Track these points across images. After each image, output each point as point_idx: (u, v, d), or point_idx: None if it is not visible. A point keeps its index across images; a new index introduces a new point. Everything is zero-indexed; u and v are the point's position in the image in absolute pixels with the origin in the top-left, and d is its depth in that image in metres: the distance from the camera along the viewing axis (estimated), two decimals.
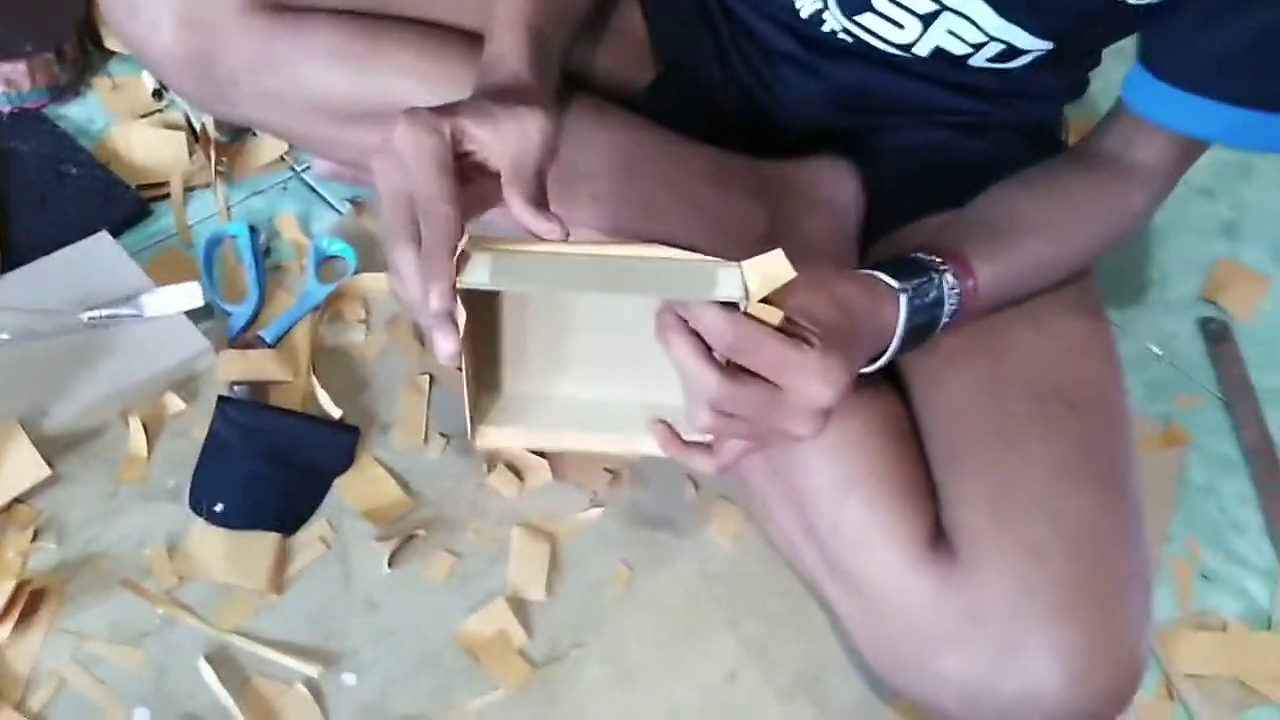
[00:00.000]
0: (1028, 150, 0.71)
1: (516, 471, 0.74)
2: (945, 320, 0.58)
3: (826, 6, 0.67)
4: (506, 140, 0.50)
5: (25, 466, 0.65)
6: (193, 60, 0.67)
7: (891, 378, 0.66)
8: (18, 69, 0.84)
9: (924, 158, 0.74)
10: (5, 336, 0.71)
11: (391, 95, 0.68)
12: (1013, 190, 0.66)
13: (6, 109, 0.86)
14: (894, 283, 0.55)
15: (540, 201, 0.50)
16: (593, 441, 0.59)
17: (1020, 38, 0.63)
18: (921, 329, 0.57)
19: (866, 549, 0.61)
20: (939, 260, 0.57)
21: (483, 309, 0.50)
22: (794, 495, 0.64)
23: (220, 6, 0.65)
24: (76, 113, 0.89)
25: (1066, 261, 0.65)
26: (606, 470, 0.75)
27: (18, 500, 0.65)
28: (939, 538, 0.60)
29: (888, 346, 0.56)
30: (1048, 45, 0.63)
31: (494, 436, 0.58)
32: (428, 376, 0.78)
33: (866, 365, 0.56)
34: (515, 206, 0.49)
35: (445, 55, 0.69)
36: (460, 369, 0.50)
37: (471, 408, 0.56)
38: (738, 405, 0.50)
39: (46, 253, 0.77)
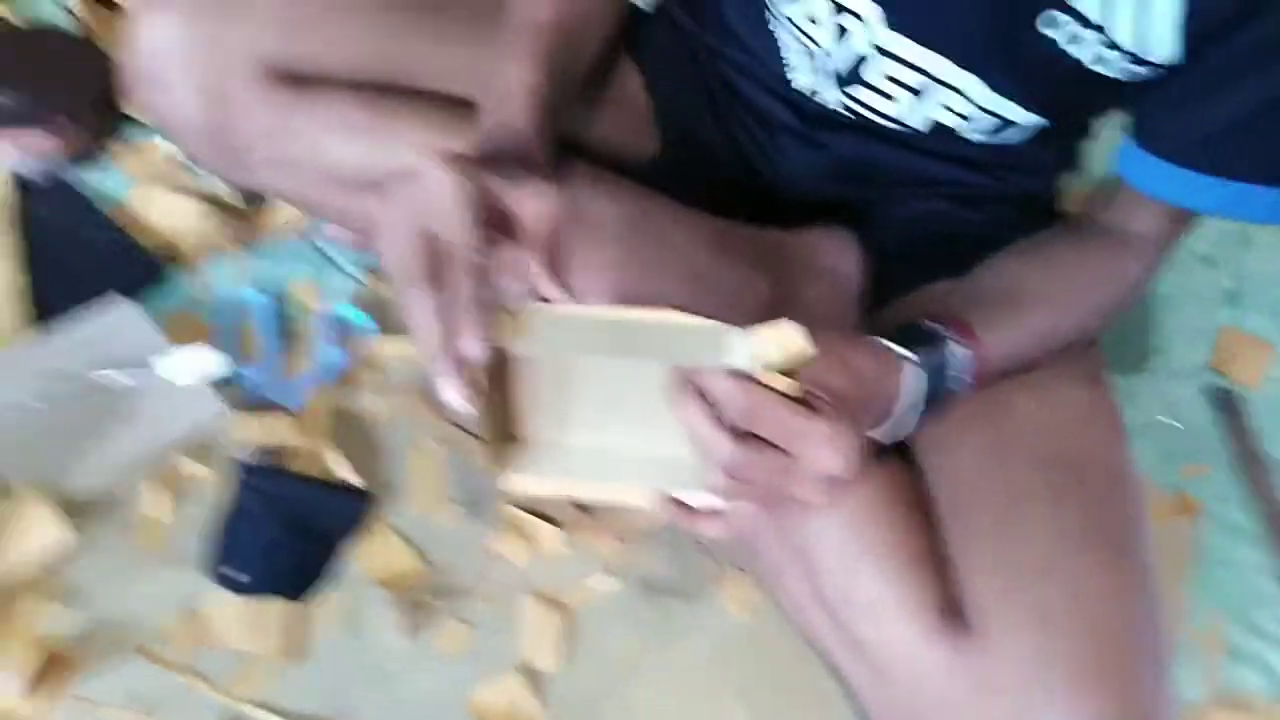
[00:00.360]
0: (1024, 221, 0.73)
1: (528, 538, 0.74)
2: (954, 389, 0.59)
3: (820, 81, 0.69)
4: (527, 206, 0.51)
5: (48, 532, 0.66)
6: (210, 129, 0.69)
7: (898, 446, 0.67)
8: (44, 138, 0.86)
9: (924, 228, 0.76)
10: (28, 400, 0.72)
11: (402, 167, 0.69)
12: (1012, 261, 0.67)
13: (30, 176, 0.87)
14: (903, 351, 0.56)
15: (556, 273, 0.51)
16: (614, 493, 0.59)
17: (1012, 111, 0.65)
18: (929, 398, 0.58)
19: (877, 618, 0.61)
20: (944, 329, 0.59)
21: (493, 362, 0.51)
22: (804, 562, 0.65)
23: (238, 78, 0.67)
24: (97, 177, 0.91)
25: (1067, 331, 0.67)
26: (618, 539, 0.75)
27: (40, 565, 0.65)
28: (950, 608, 0.61)
29: (890, 410, 0.57)
30: (1040, 120, 0.66)
31: (520, 483, 0.58)
32: (441, 443, 0.79)
33: (873, 429, 0.57)
34: (532, 270, 0.50)
35: (456, 128, 0.70)
36: (472, 418, 0.51)
37: (491, 453, 0.56)
38: (749, 471, 0.51)
39: (69, 316, 0.78)
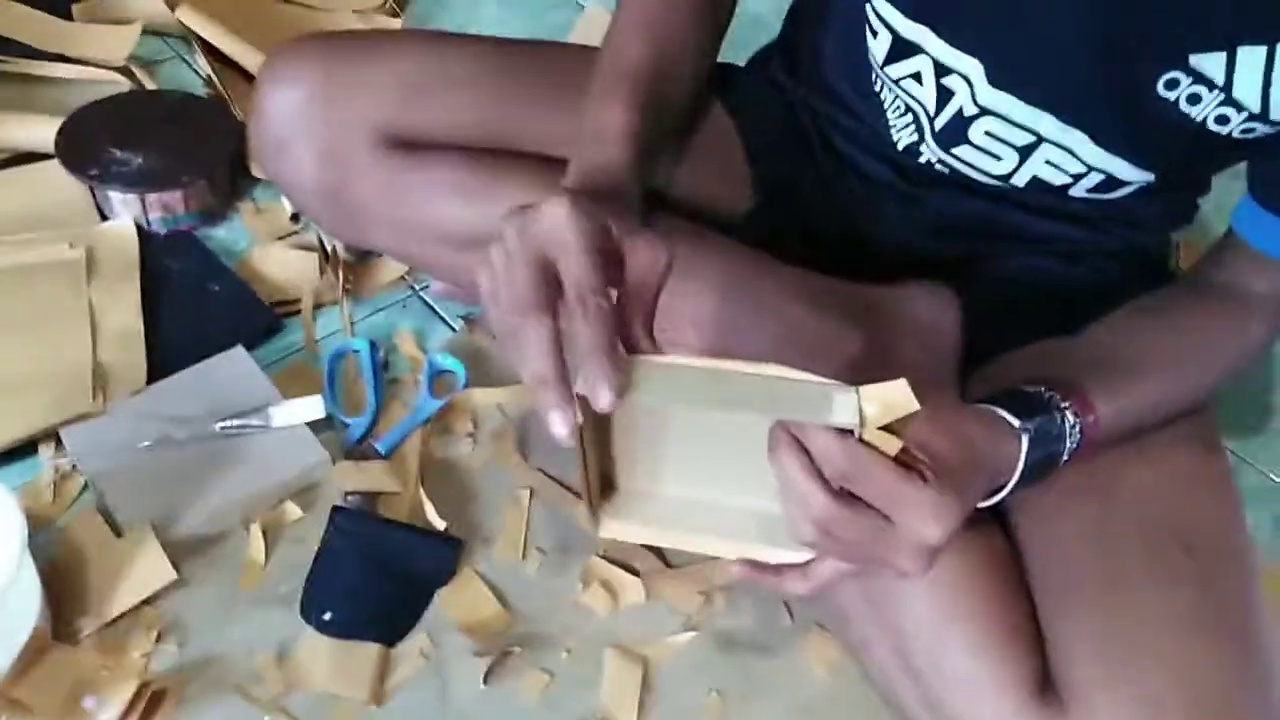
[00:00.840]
0: (1134, 278, 0.70)
1: (610, 590, 0.74)
2: (1066, 456, 0.56)
3: (923, 139, 0.68)
4: (641, 255, 0.49)
5: (154, 570, 0.69)
6: (329, 192, 0.73)
7: (996, 512, 0.64)
8: (175, 196, 0.93)
9: (1025, 285, 0.74)
10: (146, 443, 0.76)
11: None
12: (1127, 323, 0.64)
13: (163, 231, 0.94)
14: (1016, 421, 0.54)
15: (650, 326, 0.50)
16: (704, 544, 0.58)
17: (1120, 168, 0.62)
18: (1040, 466, 0.55)
19: (968, 692, 0.59)
20: (1058, 397, 0.56)
21: (587, 409, 0.51)
22: (893, 630, 0.63)
23: (355, 145, 0.71)
24: (223, 234, 0.97)
25: (1185, 396, 0.63)
26: (700, 592, 0.74)
27: (145, 602, 0.69)
28: (1046, 685, 0.58)
29: (1005, 484, 0.54)
30: (1149, 176, 0.63)
31: (617, 529, 0.57)
32: (528, 491, 0.80)
33: (983, 500, 0.55)
34: (633, 327, 0.49)
35: (557, 188, 0.73)
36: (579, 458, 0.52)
37: (592, 498, 0.56)
38: (843, 530, 0.48)
39: (189, 364, 0.83)
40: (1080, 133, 0.61)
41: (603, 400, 0.45)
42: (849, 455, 0.46)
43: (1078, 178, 0.64)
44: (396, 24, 1.24)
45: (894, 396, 0.46)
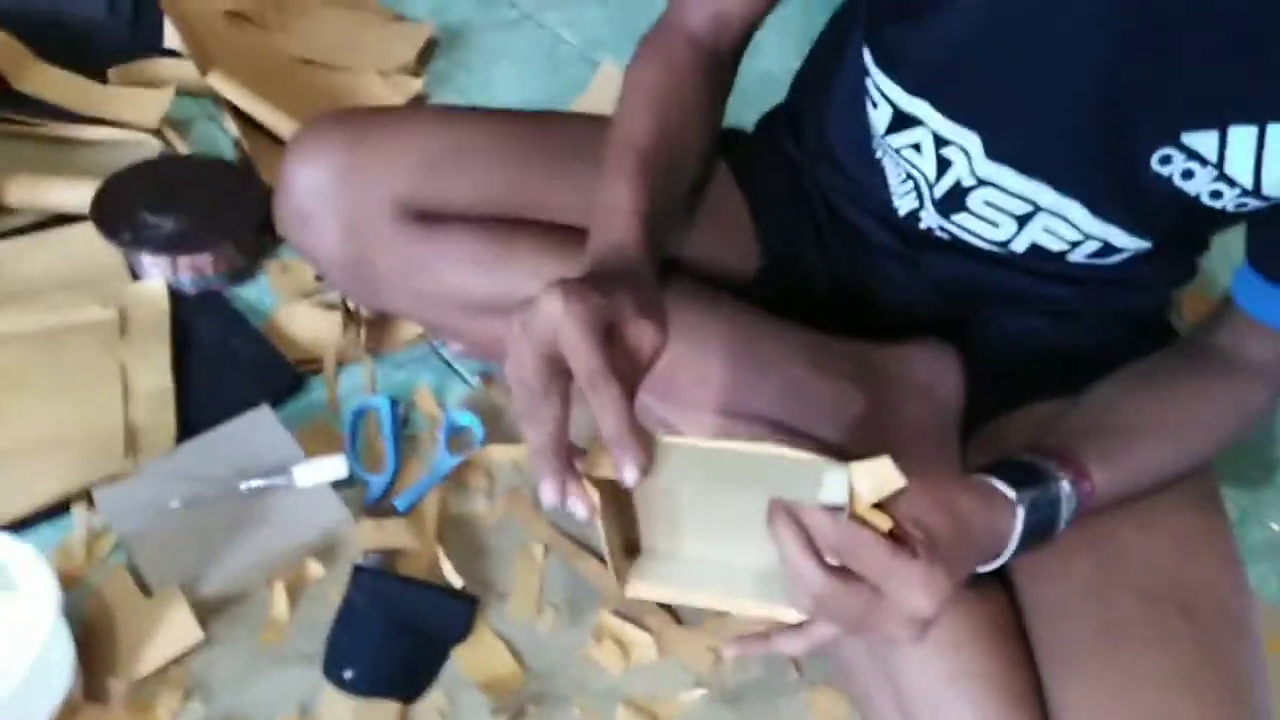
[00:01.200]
0: (1134, 337, 0.71)
1: (622, 646, 0.76)
2: (1063, 525, 0.57)
3: (923, 205, 0.70)
4: (645, 339, 0.51)
5: (182, 630, 0.72)
6: (350, 263, 0.76)
7: (997, 572, 0.66)
8: (205, 258, 0.97)
9: (1026, 345, 0.75)
10: (175, 503, 0.79)
11: (520, 294, 0.74)
12: (1125, 389, 0.65)
13: (192, 292, 0.98)
14: (1011, 493, 0.55)
15: (628, 410, 0.50)
16: (723, 603, 0.59)
17: (1117, 236, 0.64)
18: (1036, 534, 0.56)
19: None
20: (1054, 466, 0.57)
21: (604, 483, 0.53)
22: (896, 689, 0.64)
23: (375, 219, 0.74)
24: (250, 293, 1.00)
25: (1184, 462, 0.64)
26: (710, 649, 0.76)
27: (173, 661, 0.71)
28: None
29: (1000, 553, 0.56)
30: (1146, 244, 0.64)
31: (643, 589, 0.59)
32: (542, 547, 0.82)
33: (979, 568, 0.56)
34: (605, 409, 0.50)
35: (570, 255, 0.75)
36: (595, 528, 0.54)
37: (613, 563, 0.58)
38: (837, 602, 0.50)
39: (216, 421, 0.86)
40: (1077, 204, 0.63)
41: (629, 477, 0.48)
42: (840, 532, 0.48)
43: (1075, 244, 0.66)
44: (418, 84, 1.28)
45: (882, 473, 0.48)
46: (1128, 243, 0.64)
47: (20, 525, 0.76)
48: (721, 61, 0.72)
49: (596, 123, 0.83)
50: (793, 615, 0.56)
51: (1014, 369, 0.74)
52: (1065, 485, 0.57)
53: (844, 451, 0.55)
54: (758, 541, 0.54)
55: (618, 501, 0.56)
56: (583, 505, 0.50)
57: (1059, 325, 0.75)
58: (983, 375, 0.76)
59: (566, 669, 0.75)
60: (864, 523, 0.48)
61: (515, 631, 0.77)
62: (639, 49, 0.72)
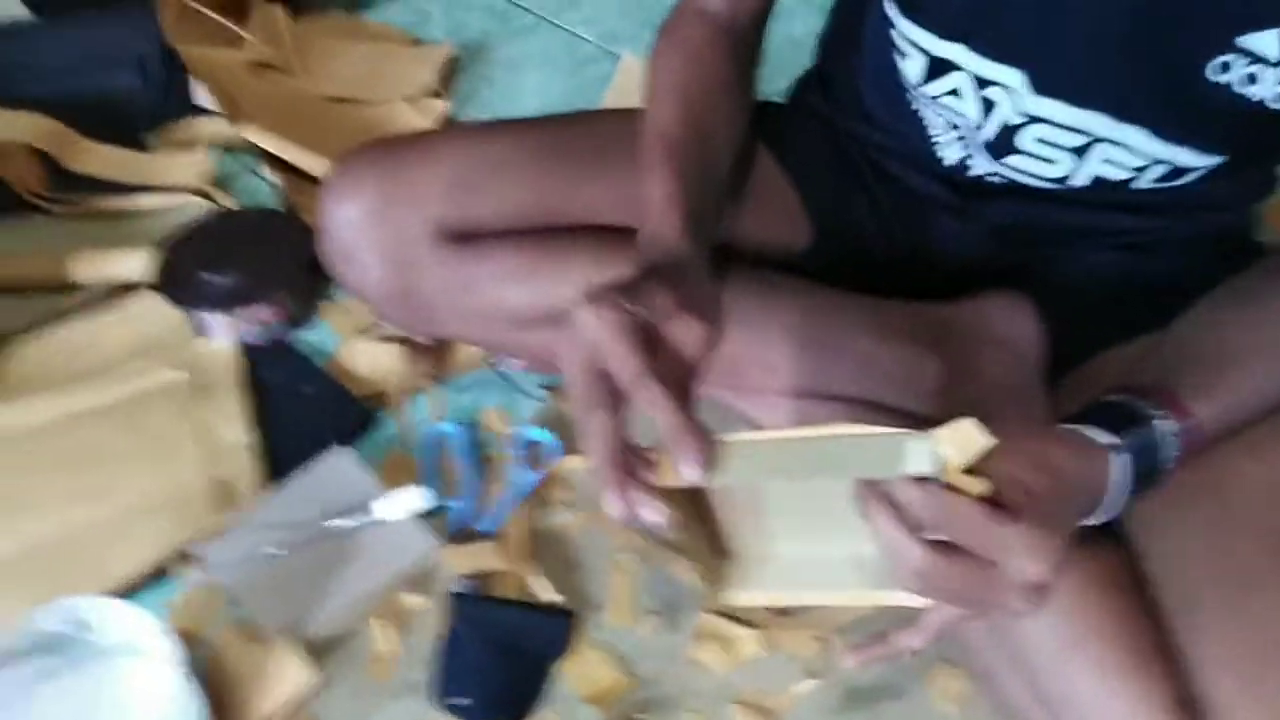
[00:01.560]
0: (1218, 260, 0.67)
1: (725, 645, 0.75)
2: (1169, 466, 0.55)
3: (971, 154, 0.68)
4: (684, 337, 0.50)
5: (296, 672, 0.73)
6: (397, 293, 0.76)
7: (1108, 527, 0.63)
8: (264, 309, 0.98)
9: (1102, 282, 0.72)
10: (270, 550, 0.81)
11: (566, 301, 0.74)
12: (1215, 315, 0.62)
13: (256, 343, 0.99)
14: (1105, 439, 0.52)
15: (687, 409, 0.49)
16: (829, 597, 0.58)
17: (1184, 156, 0.61)
18: (1142, 479, 0.54)
19: (1103, 718, 0.58)
20: (1150, 404, 0.54)
21: (674, 491, 0.52)
22: (1019, 660, 0.62)
23: (417, 246, 0.74)
24: (312, 337, 1.01)
25: None
26: (816, 638, 0.75)
27: (292, 704, 0.73)
28: (1185, 705, 0.56)
29: (1099, 506, 0.53)
30: (1216, 159, 0.61)
31: (742, 596, 0.58)
32: (632, 554, 0.81)
33: (1080, 522, 0.54)
34: (659, 409, 0.48)
35: (612, 259, 0.74)
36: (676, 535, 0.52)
37: (704, 572, 0.57)
38: (943, 579, 0.48)
39: (296, 466, 0.87)
40: (1135, 128, 0.60)
41: (689, 476, 0.46)
42: (933, 504, 0.46)
43: (1140, 170, 0.63)
44: (444, 105, 1.28)
45: (967, 435, 0.46)
46: (1196, 161, 0.61)
47: (125, 592, 0.78)
48: (743, 36, 0.71)
49: (621, 117, 0.82)
50: (905, 598, 0.53)
51: (1094, 309, 0.71)
52: (1165, 424, 0.54)
53: (929, 420, 0.53)
54: (851, 529, 0.53)
55: (698, 509, 0.54)
56: (654, 514, 0.48)
57: (1134, 258, 0.72)
58: (1061, 320, 0.73)
59: (672, 673, 0.75)
60: (957, 490, 0.46)
61: (616, 641, 0.77)
62: (658, 37, 0.71)
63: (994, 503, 0.47)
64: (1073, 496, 0.51)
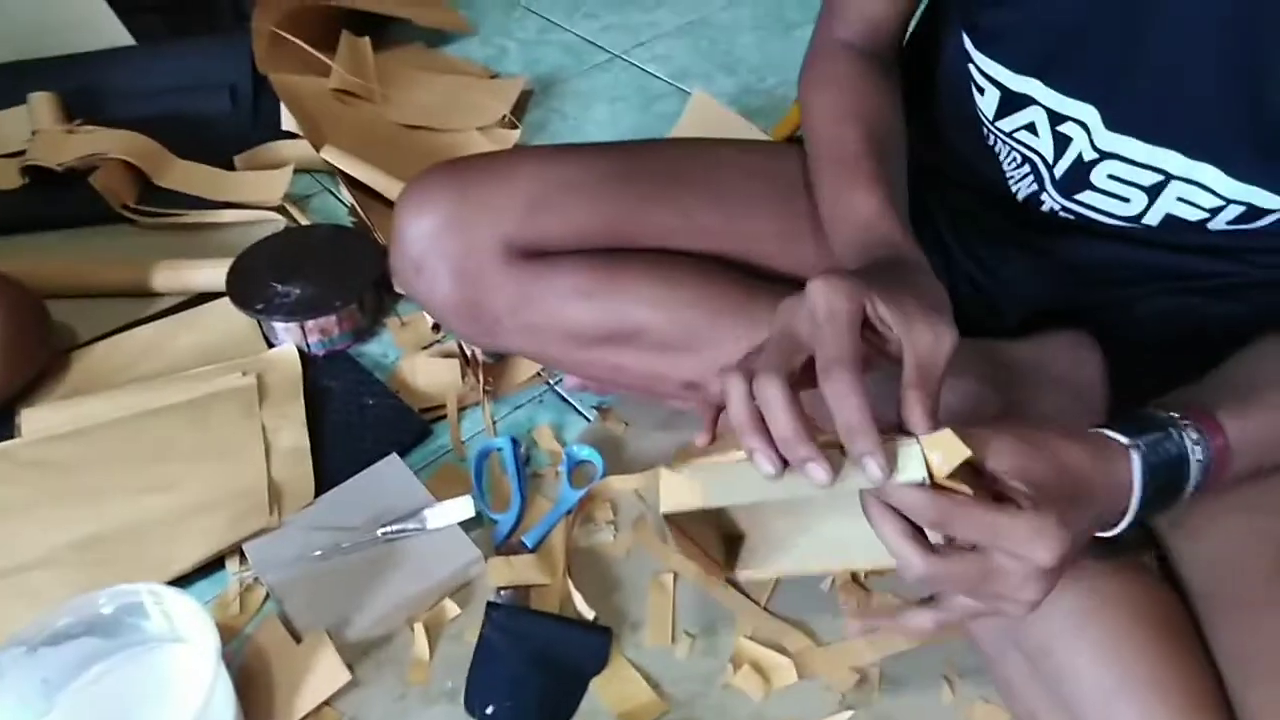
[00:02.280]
0: None
1: (762, 671, 0.74)
2: (1195, 478, 0.53)
3: (1043, 188, 0.67)
4: (916, 340, 0.49)
5: (331, 673, 0.74)
6: (464, 305, 0.78)
7: (1159, 562, 0.61)
8: (330, 321, 1.01)
9: (1172, 325, 0.70)
10: (318, 553, 0.82)
11: (629, 320, 0.75)
12: (1259, 348, 0.61)
13: (321, 353, 1.03)
14: (1124, 439, 0.52)
15: (935, 410, 0.49)
16: (845, 563, 0.59)
17: (1261, 197, 0.59)
18: (1165, 489, 0.53)
19: None
20: (1177, 415, 0.54)
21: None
22: (1062, 702, 0.60)
23: (486, 260, 0.76)
24: (373, 349, 1.05)
25: None
26: (854, 669, 0.73)
27: (325, 704, 0.74)
28: None
29: (1126, 507, 0.53)
30: None
31: (752, 572, 0.60)
32: (672, 575, 0.81)
33: (1109, 526, 0.53)
34: (914, 410, 0.49)
35: (677, 281, 0.75)
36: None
37: (712, 550, 0.59)
38: (949, 581, 0.49)
39: (350, 473, 0.89)
40: (1211, 166, 0.59)
41: (873, 474, 0.47)
42: (933, 504, 0.47)
43: (1215, 211, 0.62)
44: (516, 135, 1.32)
45: (949, 443, 0.47)
46: (1272, 202, 0.60)
47: (179, 582, 0.81)
48: (886, 63, 0.73)
49: (691, 146, 0.84)
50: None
51: (1161, 352, 0.69)
52: (1190, 432, 0.53)
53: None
54: (855, 516, 0.53)
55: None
56: (768, 463, 0.48)
57: (1206, 301, 0.70)
58: (1128, 361, 0.71)
59: (706, 697, 0.74)
60: (947, 491, 0.47)
61: (651, 661, 0.76)
62: (806, 75, 0.73)
63: (1000, 498, 0.48)
64: (1089, 492, 0.51)
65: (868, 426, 0.47)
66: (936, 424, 0.48)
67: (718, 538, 0.59)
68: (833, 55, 0.72)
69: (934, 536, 0.50)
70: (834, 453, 0.48)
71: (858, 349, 0.48)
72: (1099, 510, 0.52)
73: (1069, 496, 0.50)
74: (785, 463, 0.49)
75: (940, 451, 0.47)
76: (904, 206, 0.64)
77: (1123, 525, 0.53)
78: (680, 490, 0.51)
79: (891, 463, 0.47)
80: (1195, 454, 0.53)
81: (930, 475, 0.47)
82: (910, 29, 0.78)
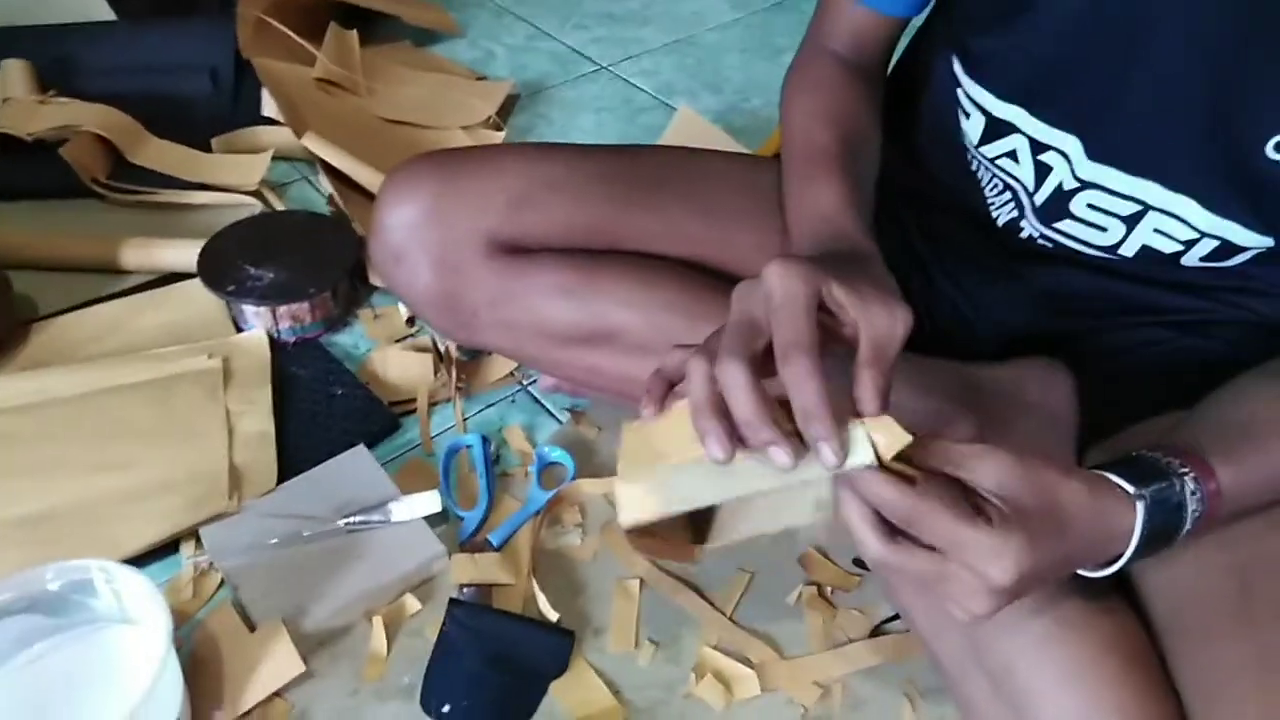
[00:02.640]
0: (1259, 345, 0.67)
1: (724, 682, 0.73)
2: (1189, 525, 0.54)
3: (1023, 215, 0.68)
4: (873, 322, 0.50)
5: (284, 663, 0.72)
6: (443, 297, 0.77)
7: (1124, 592, 0.62)
8: (302, 308, 1.00)
9: (1142, 358, 0.72)
10: (275, 540, 0.80)
11: (607, 321, 0.75)
12: (1250, 388, 0.61)
13: (291, 340, 1.01)
14: (1130, 488, 0.52)
15: (886, 390, 0.49)
16: (739, 491, 0.53)
17: (1236, 233, 0.61)
18: (1159, 536, 0.53)
19: None
20: (1176, 462, 0.54)
21: None
22: None
23: (467, 253, 0.75)
24: (344, 340, 1.03)
25: None
26: (817, 685, 0.73)
27: (275, 694, 0.72)
28: None
29: (1121, 552, 0.53)
30: (1268, 240, 0.61)
31: (725, 541, 0.56)
32: (638, 581, 0.80)
33: (1098, 570, 0.53)
34: (867, 389, 0.49)
35: (657, 284, 0.75)
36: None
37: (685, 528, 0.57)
38: (903, 572, 0.50)
39: (315, 463, 0.88)
40: (1189, 199, 0.60)
41: (827, 459, 0.47)
42: (902, 503, 0.48)
43: (1189, 244, 0.63)
44: (500, 137, 1.32)
45: (890, 428, 0.47)
46: (1247, 240, 0.61)
47: (133, 563, 0.78)
48: (871, 74, 0.73)
49: (677, 153, 0.84)
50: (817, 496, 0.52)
51: (1131, 382, 0.70)
52: (1189, 482, 0.53)
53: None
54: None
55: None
56: (783, 452, 0.47)
57: (1177, 335, 0.71)
58: (1098, 391, 0.72)
59: (668, 705, 0.73)
60: (894, 474, 0.48)
61: (613, 666, 0.75)
62: (790, 78, 0.74)
63: (976, 509, 0.49)
64: (1077, 531, 0.51)
65: (824, 412, 0.46)
66: (887, 404, 0.48)
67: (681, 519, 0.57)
68: (819, 61, 0.73)
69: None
70: (794, 439, 0.48)
71: (815, 333, 0.48)
72: (1080, 548, 0.52)
73: (1048, 527, 0.49)
74: (734, 448, 0.48)
75: (883, 435, 0.47)
76: (867, 208, 0.65)
77: (1114, 569, 0.53)
78: (637, 501, 0.50)
79: (845, 449, 0.47)
80: (1192, 502, 0.53)
81: (878, 458, 0.47)
82: (900, 51, 0.79)
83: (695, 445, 0.49)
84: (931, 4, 0.73)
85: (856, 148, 0.68)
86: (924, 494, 0.48)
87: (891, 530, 0.49)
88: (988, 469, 0.49)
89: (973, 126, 0.66)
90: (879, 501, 0.48)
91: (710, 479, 0.49)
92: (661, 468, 0.51)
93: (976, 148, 0.67)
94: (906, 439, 0.47)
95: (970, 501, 0.50)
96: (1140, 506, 0.52)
